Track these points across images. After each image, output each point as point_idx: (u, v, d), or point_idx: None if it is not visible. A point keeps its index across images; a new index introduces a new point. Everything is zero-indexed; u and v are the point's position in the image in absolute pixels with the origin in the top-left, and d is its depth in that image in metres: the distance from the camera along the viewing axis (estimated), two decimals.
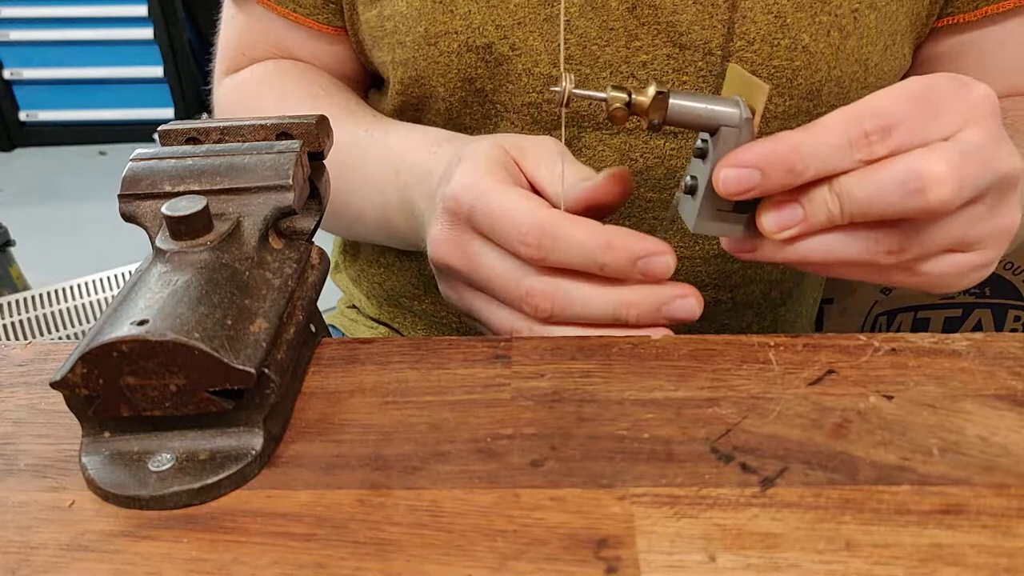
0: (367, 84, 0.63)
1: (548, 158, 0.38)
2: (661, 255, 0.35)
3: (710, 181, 0.34)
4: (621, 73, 0.49)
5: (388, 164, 0.48)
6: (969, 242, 0.36)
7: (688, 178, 0.37)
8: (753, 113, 0.34)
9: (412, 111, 0.54)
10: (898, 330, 0.82)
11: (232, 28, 0.62)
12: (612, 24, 0.48)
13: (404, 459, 0.31)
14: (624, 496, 0.29)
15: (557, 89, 0.36)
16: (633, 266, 0.35)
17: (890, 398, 0.34)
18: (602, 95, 0.35)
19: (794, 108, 0.50)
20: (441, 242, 0.39)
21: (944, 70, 0.54)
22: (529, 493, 0.30)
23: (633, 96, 0.35)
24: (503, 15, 0.48)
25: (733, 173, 0.33)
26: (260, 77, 0.60)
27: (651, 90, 0.35)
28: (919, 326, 0.81)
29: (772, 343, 0.37)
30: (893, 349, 0.36)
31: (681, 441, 0.32)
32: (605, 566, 0.27)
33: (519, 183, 0.37)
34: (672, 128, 0.48)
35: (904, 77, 0.54)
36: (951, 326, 0.80)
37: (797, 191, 0.34)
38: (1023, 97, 0.54)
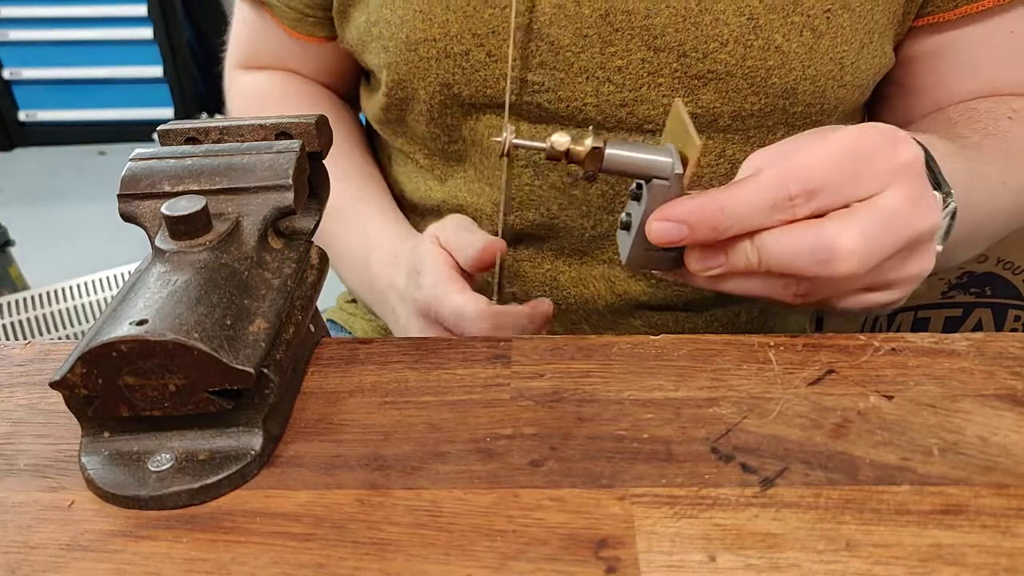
0: (356, 84, 0.66)
1: (455, 233, 0.49)
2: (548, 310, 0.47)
3: (642, 224, 0.37)
4: (597, 79, 0.50)
5: (362, 250, 0.57)
6: (880, 285, 0.38)
7: (624, 215, 0.40)
8: (685, 165, 0.36)
9: (398, 110, 0.57)
10: (898, 330, 0.82)
11: (243, 30, 0.66)
12: (586, 31, 0.49)
13: (403, 459, 0.31)
14: (624, 496, 0.29)
15: (499, 139, 0.39)
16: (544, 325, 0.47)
17: (890, 398, 0.34)
18: (542, 145, 0.38)
19: (769, 107, 0.50)
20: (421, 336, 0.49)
21: (924, 69, 0.55)
22: (529, 493, 0.30)
23: (571, 148, 0.37)
24: (478, 24, 0.50)
25: (663, 226, 0.36)
26: (266, 94, 0.65)
27: (588, 142, 0.37)
28: (919, 326, 0.81)
29: (772, 343, 0.37)
30: (893, 349, 0.36)
31: (681, 441, 0.32)
32: (605, 566, 0.27)
33: (451, 263, 0.48)
34: (650, 128, 0.51)
35: (885, 76, 0.55)
36: (951, 326, 0.80)
37: (722, 240, 0.36)
38: (1005, 98, 0.54)
